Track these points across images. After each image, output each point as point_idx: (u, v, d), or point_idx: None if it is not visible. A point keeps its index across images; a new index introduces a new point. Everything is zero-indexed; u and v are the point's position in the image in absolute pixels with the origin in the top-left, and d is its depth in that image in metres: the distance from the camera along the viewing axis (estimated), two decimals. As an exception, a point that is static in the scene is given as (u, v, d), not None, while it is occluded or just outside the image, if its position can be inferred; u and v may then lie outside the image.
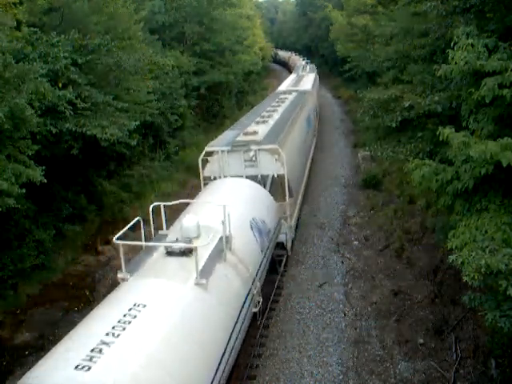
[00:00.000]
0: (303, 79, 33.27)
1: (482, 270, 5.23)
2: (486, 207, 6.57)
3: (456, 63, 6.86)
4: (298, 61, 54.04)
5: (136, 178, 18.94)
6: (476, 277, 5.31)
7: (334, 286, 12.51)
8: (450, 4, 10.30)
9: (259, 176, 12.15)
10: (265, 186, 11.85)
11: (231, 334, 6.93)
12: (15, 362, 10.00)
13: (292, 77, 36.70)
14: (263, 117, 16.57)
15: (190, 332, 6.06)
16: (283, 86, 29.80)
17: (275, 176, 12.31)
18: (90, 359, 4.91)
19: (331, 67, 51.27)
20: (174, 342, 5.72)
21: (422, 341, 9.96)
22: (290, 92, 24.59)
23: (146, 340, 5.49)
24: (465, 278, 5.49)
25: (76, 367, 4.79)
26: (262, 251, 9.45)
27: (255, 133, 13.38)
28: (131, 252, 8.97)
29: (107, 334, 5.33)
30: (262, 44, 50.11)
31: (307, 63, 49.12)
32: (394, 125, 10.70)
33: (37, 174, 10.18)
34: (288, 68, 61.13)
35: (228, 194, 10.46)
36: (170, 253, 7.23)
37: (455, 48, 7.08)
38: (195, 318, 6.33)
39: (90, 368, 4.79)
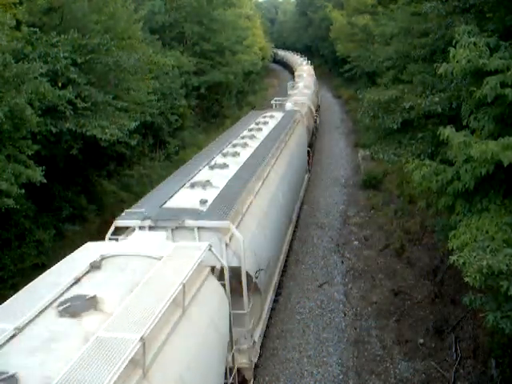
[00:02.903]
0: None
1: (484, 270, 5.19)
2: (486, 207, 6.54)
3: (457, 61, 6.82)
4: (302, 76, 33.56)
5: (136, 177, 18.91)
6: (477, 278, 5.28)
7: (334, 285, 12.51)
8: (449, 4, 10.30)
9: None
10: None
11: None
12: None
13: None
14: None
15: None
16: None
17: None
18: None
19: (331, 67, 51.22)
20: None
21: (422, 341, 9.96)
22: None
23: None
24: (466, 279, 5.46)
25: None
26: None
27: None
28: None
29: None
30: (262, 44, 50.01)
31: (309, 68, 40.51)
32: (395, 126, 10.70)
33: (37, 174, 10.13)
34: (293, 74, 44.18)
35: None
36: None
37: (457, 46, 7.03)
38: None
39: None
